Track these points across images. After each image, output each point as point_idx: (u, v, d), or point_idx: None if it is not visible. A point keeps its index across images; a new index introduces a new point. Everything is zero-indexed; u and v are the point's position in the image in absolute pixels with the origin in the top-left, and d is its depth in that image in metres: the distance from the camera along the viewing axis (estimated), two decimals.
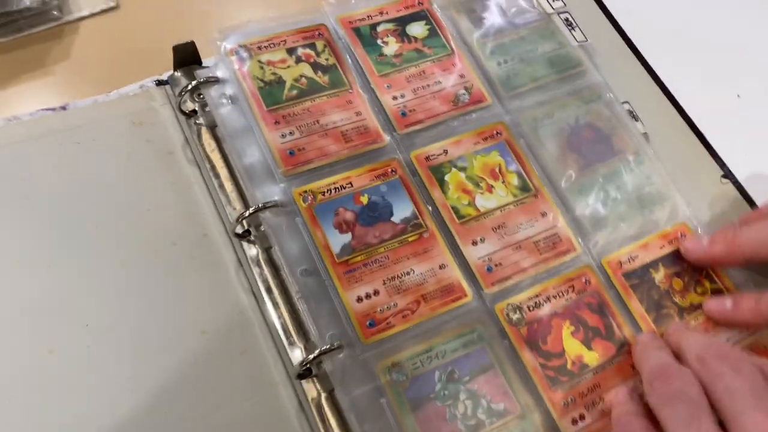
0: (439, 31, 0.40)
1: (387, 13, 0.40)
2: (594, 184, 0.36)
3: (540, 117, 0.38)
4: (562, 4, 0.42)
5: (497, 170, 0.36)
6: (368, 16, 0.40)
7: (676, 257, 0.35)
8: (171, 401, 0.30)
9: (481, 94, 0.38)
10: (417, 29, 0.40)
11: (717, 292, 0.34)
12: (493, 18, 0.41)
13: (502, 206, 0.35)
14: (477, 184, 0.35)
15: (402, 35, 0.40)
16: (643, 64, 0.42)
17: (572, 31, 0.40)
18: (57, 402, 0.29)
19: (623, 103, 0.39)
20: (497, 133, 0.37)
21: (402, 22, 0.40)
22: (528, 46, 0.40)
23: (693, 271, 0.35)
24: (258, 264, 0.33)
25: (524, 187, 0.36)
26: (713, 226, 0.36)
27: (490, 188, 0.35)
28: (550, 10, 0.41)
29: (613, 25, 0.43)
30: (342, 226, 0.33)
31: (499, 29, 0.41)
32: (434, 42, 0.40)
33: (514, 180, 0.36)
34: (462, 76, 0.39)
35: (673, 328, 0.32)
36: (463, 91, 0.38)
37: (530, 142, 0.37)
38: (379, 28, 0.40)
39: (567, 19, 0.41)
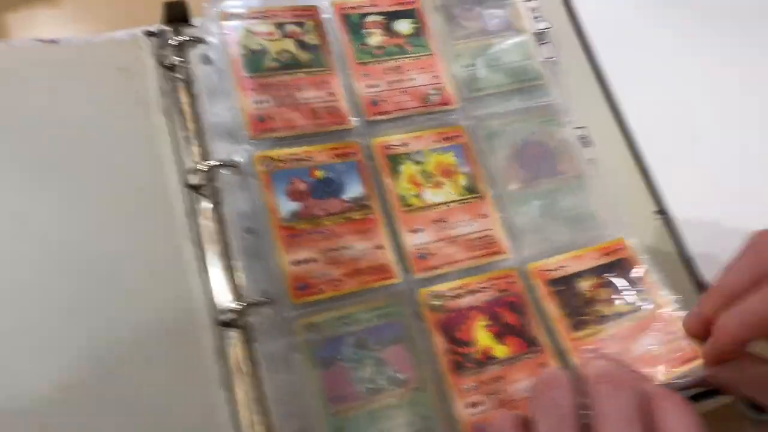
0: (423, 31, 0.42)
1: (378, 5, 0.42)
2: (532, 197, 0.39)
3: (495, 128, 0.40)
4: (548, 25, 0.44)
5: (450, 169, 0.38)
6: (360, 5, 0.42)
7: (610, 269, 0.37)
8: (102, 323, 0.32)
9: (449, 98, 0.40)
10: (403, 26, 0.42)
11: None
12: (468, 23, 0.43)
13: (447, 202, 0.37)
14: (428, 179, 0.38)
15: (388, 29, 0.42)
16: (605, 94, 0.44)
17: (541, 47, 0.43)
18: None
19: (579, 128, 0.42)
20: (457, 136, 0.39)
21: (390, 17, 0.42)
22: (495, 54, 0.42)
23: (626, 283, 0.37)
24: (206, 217, 0.35)
25: (471, 189, 0.38)
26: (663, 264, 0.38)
27: (439, 184, 0.38)
28: (533, 29, 0.44)
29: (585, 50, 0.45)
30: (294, 195, 0.35)
31: (473, 35, 0.43)
32: (417, 41, 0.42)
33: (464, 181, 0.38)
34: (436, 77, 0.41)
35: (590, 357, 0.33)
36: (434, 92, 0.40)
37: (482, 149, 0.39)
38: (368, 19, 0.42)
39: (539, 35, 0.43)
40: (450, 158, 0.39)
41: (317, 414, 0.31)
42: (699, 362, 0.34)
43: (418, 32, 0.42)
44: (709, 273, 0.39)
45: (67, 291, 0.32)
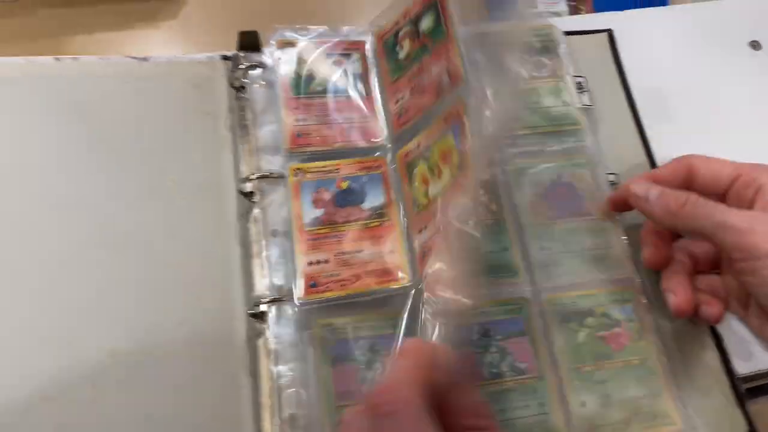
0: (442, 18, 0.42)
1: (410, 14, 0.44)
2: (554, 234, 0.40)
3: (526, 166, 0.42)
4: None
5: (448, 153, 0.39)
6: (396, 23, 0.44)
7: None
8: (154, 302, 0.37)
9: (458, 74, 0.39)
10: (426, 23, 0.43)
11: None
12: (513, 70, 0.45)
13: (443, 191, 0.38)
14: (432, 172, 0.39)
15: (414, 35, 0.43)
16: (642, 142, 0.44)
17: (581, 95, 0.44)
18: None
19: (610, 174, 0.42)
20: (457, 115, 0.39)
21: (417, 21, 0.43)
22: (534, 98, 0.44)
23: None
24: (251, 221, 0.40)
25: (462, 167, 0.38)
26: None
27: (440, 173, 0.39)
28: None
29: (628, 100, 0.46)
30: (318, 203, 0.39)
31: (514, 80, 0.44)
32: (436, 31, 0.42)
33: (456, 159, 0.38)
34: (447, 58, 0.40)
35: None
36: (446, 77, 0.40)
37: (509, 184, 0.41)
38: (400, 34, 0.44)
39: (579, 84, 0.45)
40: (449, 141, 0.39)
41: (323, 406, 0.34)
42: None
43: (437, 22, 0.42)
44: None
45: (130, 270, 0.38)
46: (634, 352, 0.36)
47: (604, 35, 0.49)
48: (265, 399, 0.35)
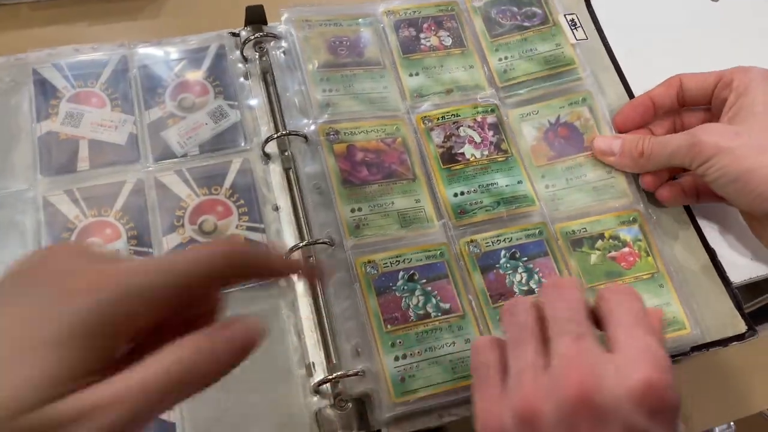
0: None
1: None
2: (557, 172, 0.44)
3: (526, 113, 0.46)
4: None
5: None
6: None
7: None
8: None
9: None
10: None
11: None
12: (505, 22, 0.49)
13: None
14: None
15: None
16: (626, 88, 0.49)
17: (575, 31, 0.48)
18: None
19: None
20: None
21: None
22: (529, 46, 0.48)
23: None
24: (279, 179, 0.42)
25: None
26: (665, 224, 0.43)
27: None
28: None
29: (605, 46, 0.50)
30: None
31: (508, 31, 0.48)
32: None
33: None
34: None
35: None
36: None
37: (513, 130, 0.45)
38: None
39: (572, 20, 0.48)
40: None
41: (374, 331, 0.37)
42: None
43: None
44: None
45: None
46: (643, 268, 0.41)
47: None
48: (308, 331, 0.37)
